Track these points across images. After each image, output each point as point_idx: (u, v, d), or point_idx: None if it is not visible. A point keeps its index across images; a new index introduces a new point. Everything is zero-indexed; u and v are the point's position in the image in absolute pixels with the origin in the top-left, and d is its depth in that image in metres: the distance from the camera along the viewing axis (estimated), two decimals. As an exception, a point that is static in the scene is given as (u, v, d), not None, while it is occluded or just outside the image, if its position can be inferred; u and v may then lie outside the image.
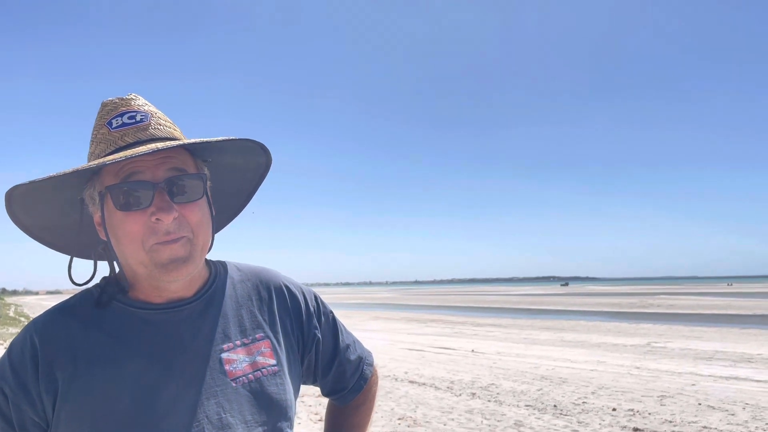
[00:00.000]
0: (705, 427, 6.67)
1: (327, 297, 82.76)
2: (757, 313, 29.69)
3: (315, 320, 1.21)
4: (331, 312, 1.28)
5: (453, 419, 7.20)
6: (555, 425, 6.88)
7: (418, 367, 11.72)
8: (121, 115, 1.00)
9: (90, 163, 0.94)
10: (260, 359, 1.06)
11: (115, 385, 0.94)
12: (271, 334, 1.11)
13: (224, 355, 1.03)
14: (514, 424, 6.97)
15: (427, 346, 16.04)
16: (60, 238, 1.12)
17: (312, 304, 1.22)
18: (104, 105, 1.03)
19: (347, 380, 1.28)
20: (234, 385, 1.01)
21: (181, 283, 1.02)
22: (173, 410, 0.95)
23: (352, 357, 1.29)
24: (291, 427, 1.09)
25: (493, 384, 9.65)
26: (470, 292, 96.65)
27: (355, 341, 1.33)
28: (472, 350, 14.90)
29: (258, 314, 1.12)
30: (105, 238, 1.01)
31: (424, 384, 9.63)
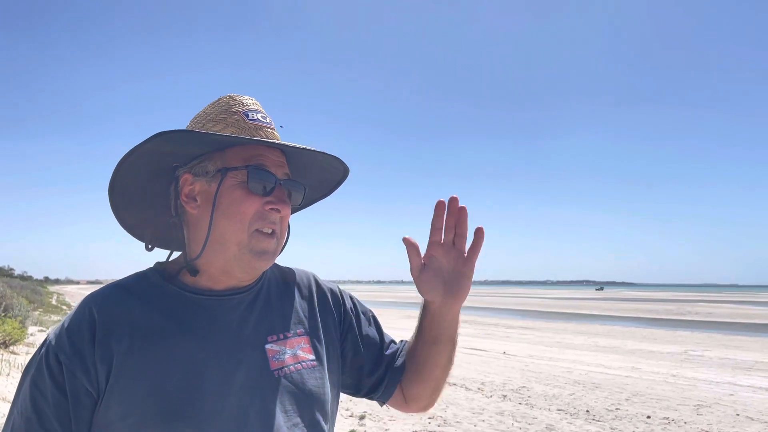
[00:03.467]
0: (743, 439, 6.52)
1: (360, 295, 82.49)
2: (801, 323, 28.73)
3: (360, 319, 1.28)
4: (370, 311, 1.33)
5: (483, 420, 7.19)
6: (587, 431, 6.81)
7: (449, 367, 11.69)
8: (255, 112, 1.11)
9: (256, 138, 1.06)
10: (301, 353, 1.12)
11: (168, 362, 0.99)
12: (311, 331, 1.17)
13: (268, 346, 1.08)
14: (546, 427, 6.92)
15: (459, 346, 15.55)
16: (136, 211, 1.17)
17: (349, 303, 1.29)
18: (233, 97, 1.12)
19: (401, 355, 1.32)
20: (276, 375, 1.06)
21: (251, 274, 1.11)
22: (219, 393, 0.99)
23: (399, 343, 1.35)
24: (328, 421, 1.13)
25: (524, 387, 9.58)
26: (503, 293, 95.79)
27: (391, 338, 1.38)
28: (504, 352, 14.81)
29: (300, 311, 1.19)
30: (193, 211, 1.08)
31: (455, 384, 9.61)
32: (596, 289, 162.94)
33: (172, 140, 1.02)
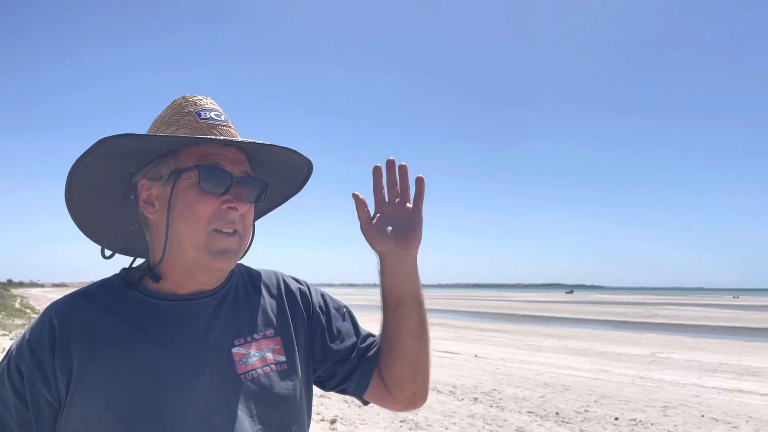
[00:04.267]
0: (708, 439, 6.65)
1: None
2: (762, 326, 29.50)
3: (330, 315, 1.24)
4: (345, 306, 1.30)
5: (455, 423, 7.21)
6: (557, 432, 6.87)
7: (421, 370, 11.71)
8: (208, 110, 1.09)
9: (204, 136, 1.03)
10: (270, 355, 1.09)
11: (129, 369, 0.97)
12: (282, 332, 1.15)
13: (235, 350, 1.06)
14: (516, 430, 6.96)
15: (431, 349, 15.97)
16: (95, 217, 1.15)
17: (322, 300, 1.26)
18: (186, 98, 1.10)
19: (376, 350, 1.25)
20: (242, 379, 1.04)
21: (213, 277, 1.08)
22: (183, 399, 0.98)
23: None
24: (301, 425, 1.11)
25: (495, 389, 9.64)
26: (474, 296, 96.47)
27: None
28: (476, 355, 14.89)
29: (269, 312, 1.16)
30: (151, 216, 1.06)
31: (426, 387, 9.62)
32: (566, 292, 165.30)
33: (116, 148, 1.01)
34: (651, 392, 9.80)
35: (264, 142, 1.05)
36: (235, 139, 1.06)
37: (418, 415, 7.54)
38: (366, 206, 1.20)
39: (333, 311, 1.25)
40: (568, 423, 7.37)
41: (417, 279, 1.20)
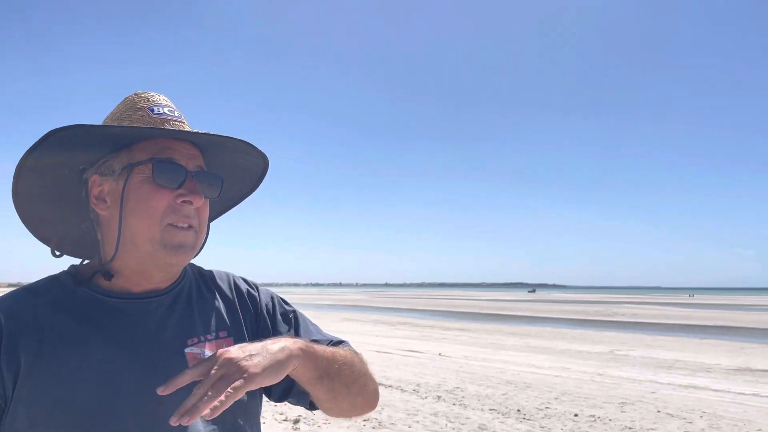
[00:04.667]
0: (663, 434, 6.83)
1: (295, 297, 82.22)
2: (716, 324, 30.45)
3: (276, 319, 1.21)
4: (294, 310, 1.25)
5: (418, 421, 7.25)
6: (518, 429, 6.97)
7: (386, 369, 11.75)
8: (161, 106, 1.07)
9: (159, 127, 1.02)
10: None
11: (80, 368, 0.95)
12: (235, 333, 1.13)
13: (188, 350, 1.05)
14: (478, 427, 7.04)
15: (395, 348, 16.08)
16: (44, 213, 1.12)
17: (270, 303, 1.22)
18: (139, 94, 1.09)
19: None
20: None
21: (168, 274, 1.07)
22: (135, 399, 0.96)
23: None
24: (254, 425, 1.10)
25: (458, 387, 9.72)
26: (439, 296, 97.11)
27: (332, 337, 1.25)
28: (440, 354, 14.99)
29: (223, 312, 1.15)
30: (103, 213, 1.04)
31: (390, 386, 9.65)
32: (529, 291, 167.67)
33: (68, 141, 0.99)
34: (609, 389, 10.02)
35: (218, 133, 1.04)
36: (188, 130, 1.05)
37: (382, 413, 7.55)
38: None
39: (279, 316, 1.21)
40: (529, 420, 7.48)
41: (318, 376, 1.04)
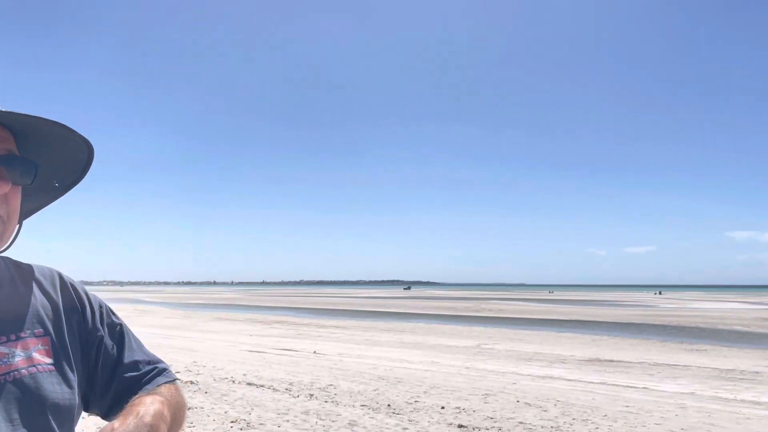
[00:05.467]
0: (521, 423, 7.26)
1: (167, 296, 78.52)
2: (572, 318, 33.11)
3: (104, 330, 1.11)
4: (121, 323, 1.15)
5: (288, 420, 7.15)
6: (387, 424, 7.10)
7: (258, 368, 11.52)
8: None
9: None
10: (37, 356, 0.97)
11: None
12: (54, 331, 1.02)
13: None
14: (348, 423, 7.08)
15: (270, 347, 15.82)
16: None
17: (100, 311, 1.13)
18: None
19: (136, 386, 1.08)
20: (2, 380, 0.92)
21: None
22: None
23: (144, 368, 1.12)
24: (68, 429, 1.00)
25: (331, 385, 9.74)
26: (317, 293, 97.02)
27: (152, 356, 1.16)
28: (314, 352, 14.95)
29: (40, 310, 1.03)
30: None
31: (262, 386, 9.47)
32: (404, 288, 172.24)
33: None
34: (475, 381, 10.51)
35: (27, 113, 0.93)
36: None
37: (251, 414, 7.38)
38: None
39: (107, 328, 1.11)
40: (398, 414, 7.64)
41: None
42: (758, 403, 8.97)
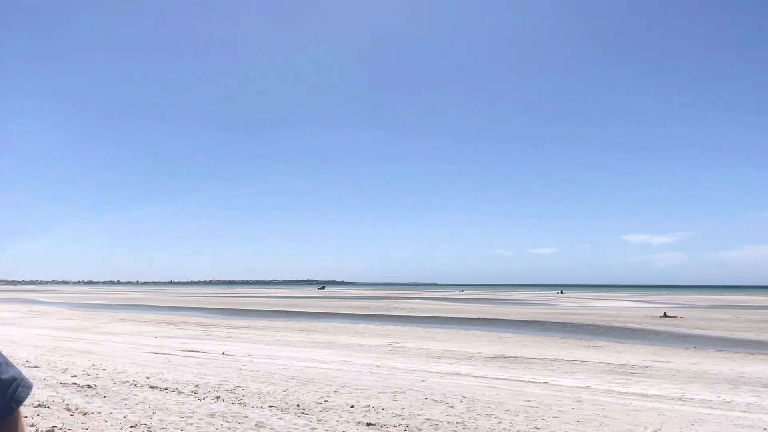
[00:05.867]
0: (428, 419, 7.40)
1: (65, 296, 73.98)
2: (480, 316, 34.18)
3: None
4: None
5: (192, 424, 6.93)
6: (295, 424, 7.03)
7: (163, 371, 11.09)
8: None
9: None
10: None
11: None
12: None
13: None
14: (255, 425, 6.95)
15: (176, 349, 15.26)
16: None
17: None
18: None
19: None
20: None
21: None
22: None
23: (3, 376, 1.06)
24: None
25: (240, 386, 9.53)
26: (228, 293, 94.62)
27: (7, 363, 1.09)
28: (223, 353, 14.58)
29: None
30: None
31: (166, 389, 9.12)
32: (318, 288, 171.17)
33: None
34: (385, 379, 10.61)
35: None
36: None
37: (152, 418, 7.09)
38: None
39: None
40: (307, 414, 7.59)
41: None
42: (647, 396, 9.61)
